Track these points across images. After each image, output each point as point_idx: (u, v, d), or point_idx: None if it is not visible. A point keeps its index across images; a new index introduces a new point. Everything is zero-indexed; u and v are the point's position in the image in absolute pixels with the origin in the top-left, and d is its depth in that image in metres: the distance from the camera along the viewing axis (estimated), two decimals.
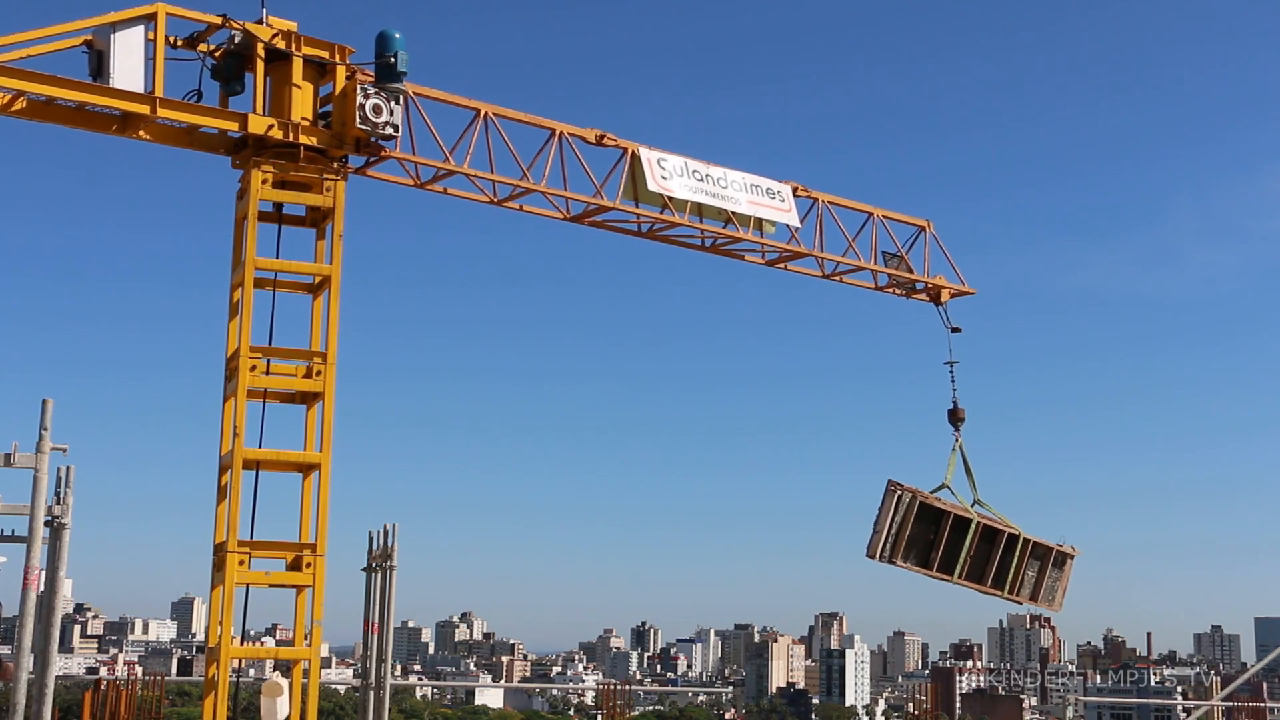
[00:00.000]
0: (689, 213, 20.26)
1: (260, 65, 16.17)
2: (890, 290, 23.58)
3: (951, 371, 23.69)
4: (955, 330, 23.84)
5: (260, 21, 16.19)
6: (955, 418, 23.70)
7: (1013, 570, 23.74)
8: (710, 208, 20.38)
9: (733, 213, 20.61)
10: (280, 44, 16.24)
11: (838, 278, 22.78)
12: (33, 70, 14.83)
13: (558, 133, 18.74)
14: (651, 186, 19.61)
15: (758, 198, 20.87)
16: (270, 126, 16.04)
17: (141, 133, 15.78)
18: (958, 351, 23.70)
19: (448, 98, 17.78)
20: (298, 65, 16.32)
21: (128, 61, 15.25)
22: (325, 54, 16.60)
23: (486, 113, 18.06)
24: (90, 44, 15.39)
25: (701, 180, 20.21)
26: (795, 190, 21.47)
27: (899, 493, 22.22)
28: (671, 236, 20.77)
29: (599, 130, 19.24)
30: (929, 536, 22.86)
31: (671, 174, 19.84)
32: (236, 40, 16.06)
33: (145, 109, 15.38)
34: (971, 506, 23.47)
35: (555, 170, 18.59)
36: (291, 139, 16.15)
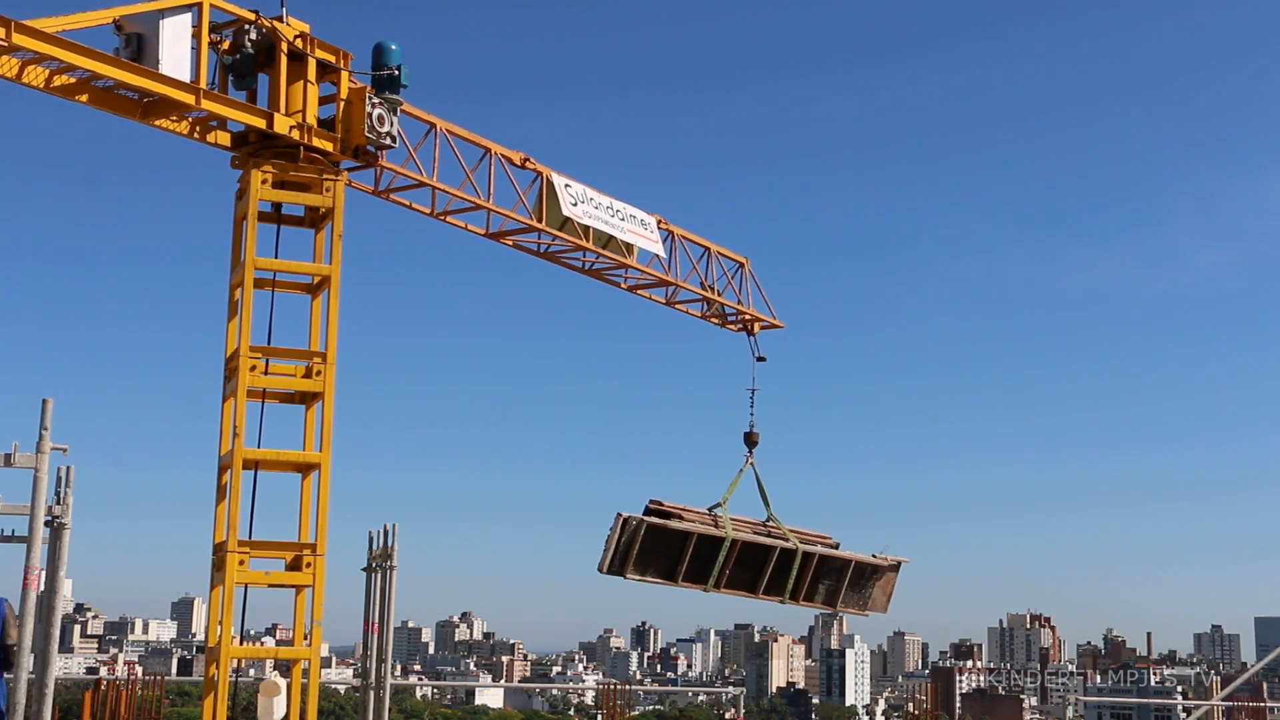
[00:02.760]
0: (592, 239, 21.05)
1: (284, 64, 16.10)
2: (710, 319, 24.86)
3: (752, 397, 25.11)
4: (761, 359, 25.38)
5: (280, 20, 16.13)
6: (749, 440, 24.95)
7: (793, 581, 24.32)
8: (598, 232, 21.24)
9: (622, 241, 21.56)
10: (299, 45, 16.25)
11: (679, 305, 24.08)
12: (90, 48, 14.31)
13: (491, 152, 19.22)
14: (564, 211, 20.44)
15: (634, 226, 22.06)
16: (291, 127, 16.02)
17: (161, 122, 15.47)
18: (760, 380, 25.03)
19: (410, 110, 17.85)
20: (312, 67, 16.35)
21: (176, 49, 14.91)
22: (332, 58, 16.65)
23: (440, 128, 18.35)
24: (121, 26, 14.89)
25: (597, 207, 21.23)
26: (659, 223, 22.74)
27: (624, 519, 22.43)
28: (561, 258, 21.58)
29: (523, 153, 19.91)
30: (674, 552, 23.18)
31: (577, 200, 20.75)
32: (256, 37, 15.93)
33: (190, 98, 15.09)
34: (765, 522, 24.45)
35: (484, 188, 19.05)
36: (306, 140, 16.15)
